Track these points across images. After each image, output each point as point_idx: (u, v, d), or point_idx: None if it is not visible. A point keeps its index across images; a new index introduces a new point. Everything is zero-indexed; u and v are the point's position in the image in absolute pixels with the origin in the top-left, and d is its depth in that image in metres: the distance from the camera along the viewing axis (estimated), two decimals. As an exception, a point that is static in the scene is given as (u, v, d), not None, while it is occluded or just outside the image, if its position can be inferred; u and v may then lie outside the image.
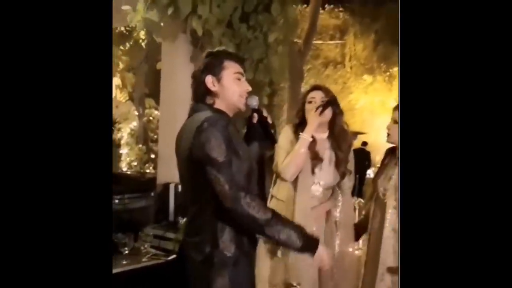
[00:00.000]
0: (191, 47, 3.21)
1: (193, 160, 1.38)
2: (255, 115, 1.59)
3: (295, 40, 8.12)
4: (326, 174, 2.07)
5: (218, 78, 1.49)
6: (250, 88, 1.54)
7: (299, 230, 1.40)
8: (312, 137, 2.03)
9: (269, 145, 1.69)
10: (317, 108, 2.01)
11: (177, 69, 3.31)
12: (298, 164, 2.00)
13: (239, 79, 1.51)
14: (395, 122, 2.05)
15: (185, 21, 2.91)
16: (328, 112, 2.06)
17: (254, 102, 1.56)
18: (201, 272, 1.41)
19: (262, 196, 1.77)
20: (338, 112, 2.09)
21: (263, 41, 3.16)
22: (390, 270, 2.00)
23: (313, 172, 2.06)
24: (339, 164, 2.08)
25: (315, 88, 2.15)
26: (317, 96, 2.08)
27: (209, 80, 1.49)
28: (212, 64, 1.50)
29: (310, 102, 2.09)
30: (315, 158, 2.06)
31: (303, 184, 2.04)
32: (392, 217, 2.02)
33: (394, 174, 2.06)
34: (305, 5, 10.28)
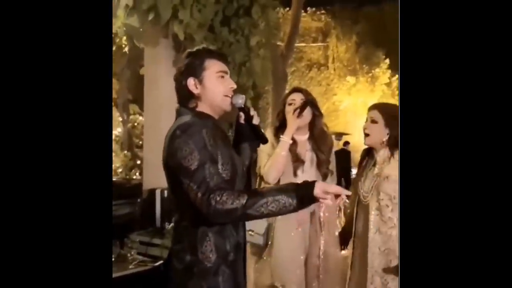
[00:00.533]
0: (174, 51, 3.21)
1: (168, 168, 1.36)
2: (241, 114, 1.51)
3: (277, 43, 8.17)
4: (308, 175, 2.09)
5: (200, 80, 1.41)
6: (234, 86, 1.46)
7: (287, 188, 1.28)
8: (293, 139, 2.05)
9: (259, 145, 1.61)
10: (294, 110, 2.02)
11: (160, 74, 3.31)
12: (279, 167, 2.01)
13: (222, 77, 1.44)
14: (372, 121, 2.03)
15: (166, 26, 2.91)
16: (308, 114, 2.08)
17: (240, 100, 1.47)
18: (182, 280, 1.37)
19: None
20: (317, 114, 2.11)
21: (245, 45, 3.18)
22: (385, 270, 2.02)
23: (295, 174, 2.08)
24: (321, 165, 2.10)
25: (295, 90, 2.16)
26: (297, 98, 2.10)
27: (191, 82, 1.41)
28: (193, 65, 1.42)
29: (290, 104, 2.10)
30: (297, 161, 2.08)
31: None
32: (375, 219, 2.02)
33: (373, 176, 2.07)
34: (287, 8, 10.36)
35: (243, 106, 1.49)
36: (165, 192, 2.80)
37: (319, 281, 2.11)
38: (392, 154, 2.03)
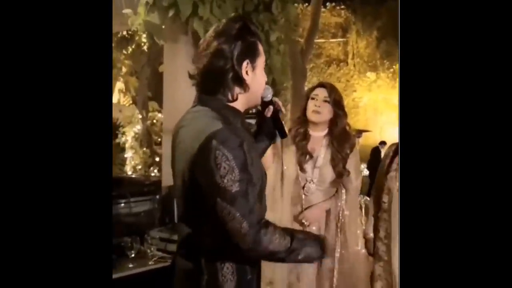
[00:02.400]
0: (193, 48, 3.20)
1: (194, 182, 1.10)
2: (271, 107, 1.33)
3: (297, 39, 8.11)
4: (321, 172, 2.04)
5: (254, 66, 1.16)
6: (266, 79, 1.26)
7: (316, 240, 1.19)
8: (307, 132, 2.03)
9: (276, 140, 1.44)
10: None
11: (179, 71, 3.30)
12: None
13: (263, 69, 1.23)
14: None
15: (186, 22, 2.90)
16: (327, 112, 2.04)
17: (269, 93, 1.31)
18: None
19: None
20: (340, 114, 2.05)
21: (264, 41, 3.14)
22: None
23: (302, 169, 2.03)
24: (335, 164, 2.05)
25: (320, 85, 2.12)
26: (320, 94, 2.06)
27: (245, 66, 1.14)
28: (249, 45, 1.15)
29: (312, 98, 2.07)
30: (303, 154, 2.02)
31: (288, 181, 2.03)
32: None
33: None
34: (307, 4, 10.26)
35: (271, 99, 1.33)
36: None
37: (332, 283, 2.06)
38: None
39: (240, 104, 1.19)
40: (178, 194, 1.20)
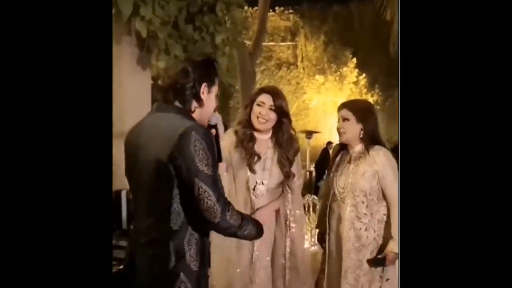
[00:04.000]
0: (137, 49, 3.15)
1: (174, 166, 1.31)
2: (214, 130, 1.59)
3: (245, 42, 8.17)
4: (270, 173, 2.08)
5: (210, 90, 1.48)
6: (215, 106, 1.58)
7: (255, 223, 1.48)
8: (252, 135, 2.05)
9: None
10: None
11: (124, 72, 3.24)
12: None
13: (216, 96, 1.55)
14: (344, 120, 2.09)
15: (128, 22, 2.85)
16: (273, 118, 2.04)
17: (216, 119, 1.60)
18: (160, 285, 1.34)
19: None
20: (285, 121, 2.06)
21: (210, 42, 3.15)
22: (358, 265, 2.06)
23: (251, 169, 2.05)
24: (282, 165, 2.09)
25: (265, 91, 2.09)
26: (266, 102, 2.03)
27: (203, 87, 1.46)
28: (210, 72, 1.49)
29: (258, 105, 2.05)
30: (251, 156, 2.04)
31: (240, 184, 2.05)
32: (350, 215, 2.05)
33: (349, 172, 2.09)
34: (256, 7, 10.38)
35: (215, 124, 1.60)
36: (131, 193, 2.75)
37: (285, 280, 2.10)
38: (367, 150, 2.07)
39: (196, 116, 1.46)
40: (139, 192, 1.43)
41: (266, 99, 2.05)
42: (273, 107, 2.04)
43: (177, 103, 1.44)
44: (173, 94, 1.44)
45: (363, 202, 2.06)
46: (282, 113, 2.06)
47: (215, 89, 1.51)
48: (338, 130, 2.14)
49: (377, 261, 2.06)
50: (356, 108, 2.12)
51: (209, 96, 1.48)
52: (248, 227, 1.42)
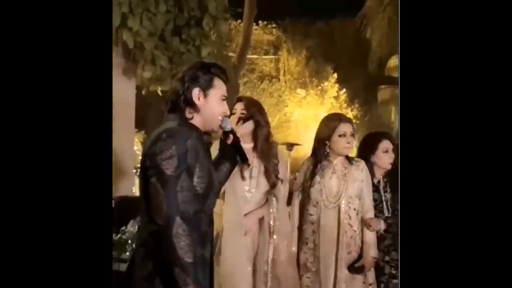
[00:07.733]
0: (123, 60, 3.17)
1: (145, 169, 1.35)
2: (231, 136, 1.60)
3: (230, 55, 8.25)
4: (256, 182, 2.14)
5: (205, 93, 1.46)
6: (228, 112, 1.57)
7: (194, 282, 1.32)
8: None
9: (241, 164, 1.73)
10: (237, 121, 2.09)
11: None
12: None
13: (223, 100, 1.52)
14: (351, 135, 2.27)
15: (115, 33, 2.88)
16: (248, 124, 2.13)
17: (229, 124, 1.58)
18: (158, 281, 1.33)
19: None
20: (261, 124, 2.16)
21: (196, 55, 3.21)
22: (349, 270, 2.15)
23: (242, 176, 2.11)
24: (268, 174, 2.15)
25: (238, 99, 2.23)
26: (238, 108, 2.17)
27: (196, 92, 1.45)
28: (200, 77, 1.46)
29: (234, 113, 2.16)
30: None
31: (231, 190, 2.09)
32: (343, 223, 2.18)
33: (341, 181, 2.20)
34: (240, 21, 10.50)
35: (230, 129, 1.60)
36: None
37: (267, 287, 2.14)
38: (348, 160, 2.18)
39: (196, 122, 1.47)
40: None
41: (238, 106, 2.19)
42: (244, 112, 2.13)
43: (175, 112, 1.46)
44: (170, 103, 1.46)
45: (354, 209, 2.16)
46: (255, 117, 2.14)
47: (214, 92, 1.47)
48: (345, 145, 2.24)
49: (356, 269, 2.13)
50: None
51: (207, 101, 1.46)
52: (187, 281, 1.25)
